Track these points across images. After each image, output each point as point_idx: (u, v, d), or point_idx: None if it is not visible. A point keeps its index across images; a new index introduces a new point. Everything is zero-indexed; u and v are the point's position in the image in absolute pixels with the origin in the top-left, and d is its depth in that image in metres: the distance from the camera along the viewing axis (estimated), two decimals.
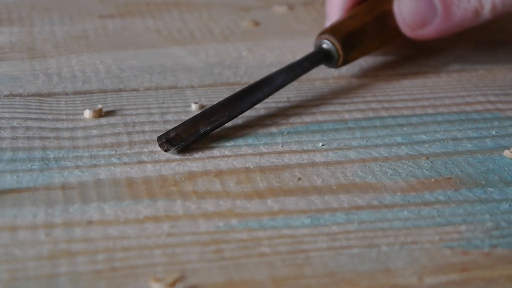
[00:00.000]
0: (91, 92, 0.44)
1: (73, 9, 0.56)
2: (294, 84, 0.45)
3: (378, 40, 0.47)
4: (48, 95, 0.44)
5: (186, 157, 0.38)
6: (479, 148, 0.39)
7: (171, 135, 0.38)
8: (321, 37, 0.45)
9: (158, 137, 0.38)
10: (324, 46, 0.45)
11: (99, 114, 0.41)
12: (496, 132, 0.41)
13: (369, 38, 0.46)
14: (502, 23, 0.56)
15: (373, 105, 0.43)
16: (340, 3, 0.48)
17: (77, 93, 0.44)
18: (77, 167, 0.36)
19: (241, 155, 0.38)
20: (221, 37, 0.52)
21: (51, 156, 0.37)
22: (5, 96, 0.43)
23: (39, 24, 0.54)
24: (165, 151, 0.38)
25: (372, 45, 0.47)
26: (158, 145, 0.38)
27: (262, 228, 0.33)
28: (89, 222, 0.33)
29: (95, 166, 0.37)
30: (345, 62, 0.45)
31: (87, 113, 0.41)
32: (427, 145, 0.39)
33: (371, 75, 0.47)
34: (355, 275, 0.30)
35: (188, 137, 0.38)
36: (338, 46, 0.44)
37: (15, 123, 0.40)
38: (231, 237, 0.32)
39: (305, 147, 0.39)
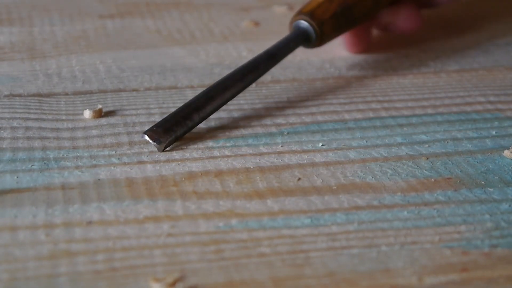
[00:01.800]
0: (91, 92, 0.44)
1: (73, 9, 0.56)
2: (294, 84, 0.45)
3: None
4: (48, 95, 0.43)
5: (186, 157, 0.38)
6: (479, 148, 0.39)
7: (154, 129, 0.38)
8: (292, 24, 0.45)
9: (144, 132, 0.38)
10: (300, 26, 0.45)
11: (99, 114, 0.41)
12: (496, 132, 0.41)
13: None
14: (501, 23, 0.56)
15: (373, 105, 0.43)
16: None
17: (77, 93, 0.44)
18: (77, 167, 0.36)
19: (241, 155, 0.38)
20: (221, 37, 0.52)
21: (51, 156, 0.37)
22: (5, 96, 0.43)
23: (39, 24, 0.54)
24: (158, 143, 0.38)
25: None
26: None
27: (262, 228, 0.33)
28: (89, 222, 0.33)
29: (95, 166, 0.37)
30: (319, 18, 0.44)
31: (87, 113, 0.41)
32: (427, 145, 0.39)
33: (371, 75, 0.47)
34: (355, 275, 0.30)
35: (173, 128, 0.38)
36: (305, 17, 0.44)
37: (15, 123, 0.40)
38: (231, 237, 0.32)
39: (305, 147, 0.39)
